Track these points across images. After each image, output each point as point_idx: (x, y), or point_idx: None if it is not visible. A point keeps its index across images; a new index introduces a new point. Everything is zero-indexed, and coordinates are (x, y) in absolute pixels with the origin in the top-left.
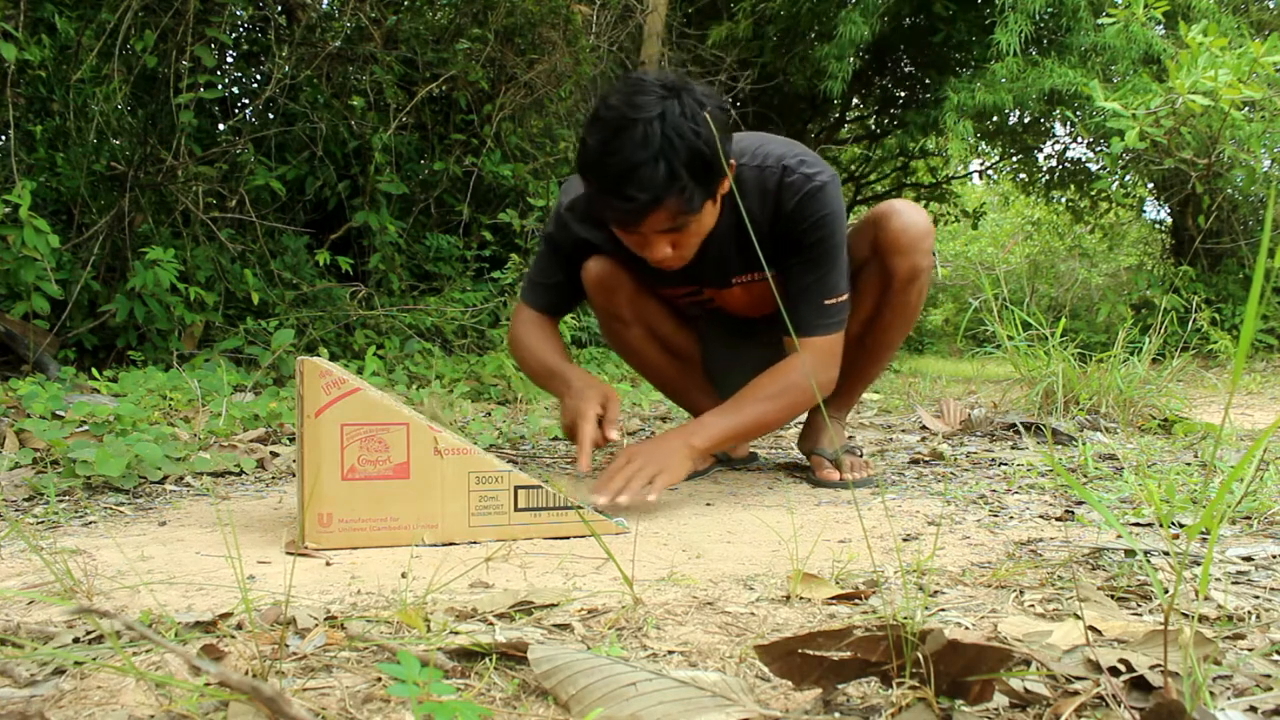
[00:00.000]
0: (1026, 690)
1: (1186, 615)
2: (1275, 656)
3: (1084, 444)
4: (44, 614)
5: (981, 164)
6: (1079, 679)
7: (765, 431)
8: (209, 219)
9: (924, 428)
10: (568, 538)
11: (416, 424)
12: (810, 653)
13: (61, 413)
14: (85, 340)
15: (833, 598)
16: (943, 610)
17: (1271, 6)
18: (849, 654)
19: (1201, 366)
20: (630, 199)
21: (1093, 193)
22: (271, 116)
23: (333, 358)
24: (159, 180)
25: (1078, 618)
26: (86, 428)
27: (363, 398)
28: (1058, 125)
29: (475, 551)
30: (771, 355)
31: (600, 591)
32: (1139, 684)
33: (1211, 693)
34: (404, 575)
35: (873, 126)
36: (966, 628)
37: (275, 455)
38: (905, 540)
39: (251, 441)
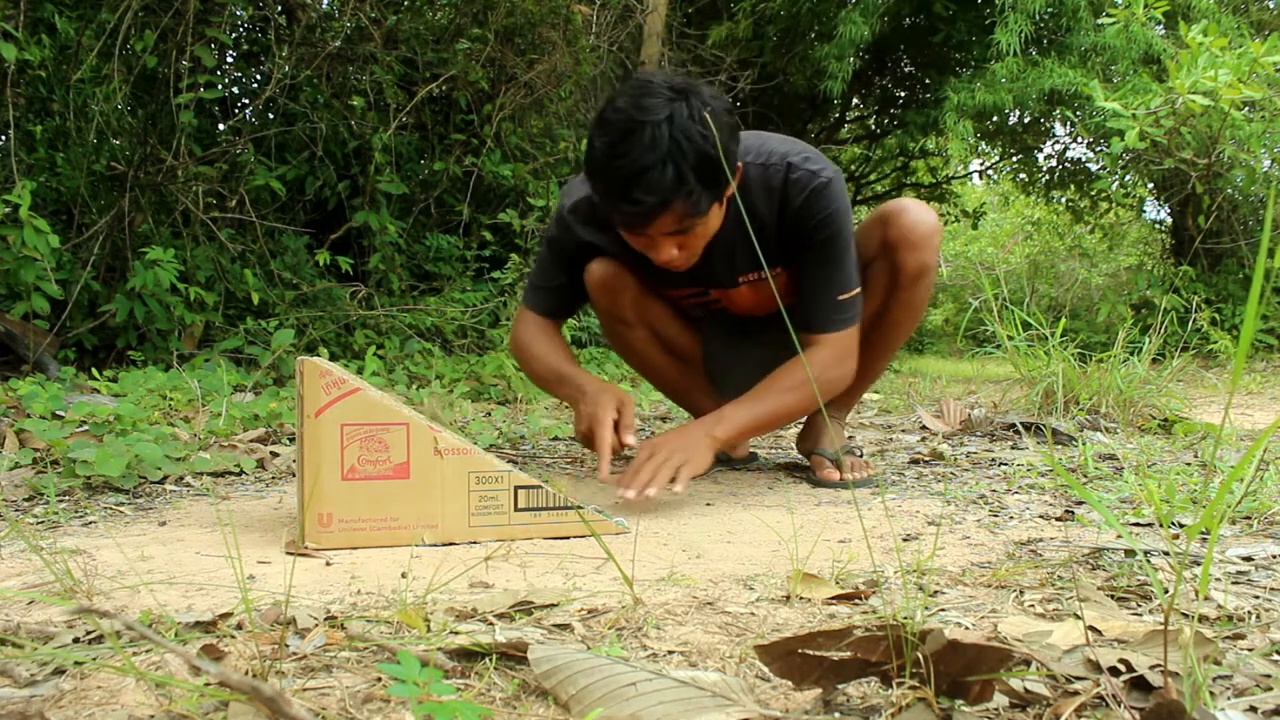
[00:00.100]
0: (1026, 690)
1: (1186, 615)
2: (1275, 656)
3: (1084, 444)
4: (44, 614)
5: (981, 164)
6: (1079, 679)
7: (785, 423)
8: (209, 219)
9: (924, 428)
10: (568, 538)
11: (416, 424)
12: (810, 653)
13: (61, 413)
14: (85, 340)
15: (833, 598)
16: (943, 610)
17: (1271, 6)
18: (849, 654)
19: (1201, 366)
20: (638, 202)
21: (1093, 193)
22: (271, 116)
23: (333, 358)
24: (159, 180)
25: (1078, 618)
26: (86, 428)
27: (363, 398)
28: (1058, 125)
29: (475, 551)
30: (771, 355)
31: (600, 591)
32: (1139, 684)
33: (1211, 693)
34: (404, 575)
35: (873, 126)
36: (966, 628)
37: (275, 455)
38: (905, 540)
39: (251, 441)
